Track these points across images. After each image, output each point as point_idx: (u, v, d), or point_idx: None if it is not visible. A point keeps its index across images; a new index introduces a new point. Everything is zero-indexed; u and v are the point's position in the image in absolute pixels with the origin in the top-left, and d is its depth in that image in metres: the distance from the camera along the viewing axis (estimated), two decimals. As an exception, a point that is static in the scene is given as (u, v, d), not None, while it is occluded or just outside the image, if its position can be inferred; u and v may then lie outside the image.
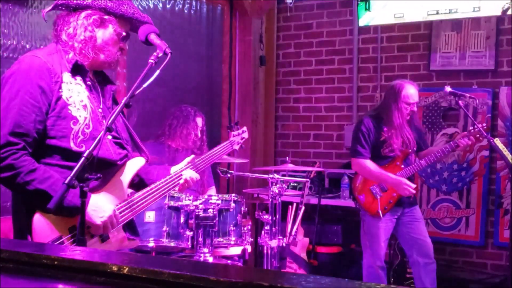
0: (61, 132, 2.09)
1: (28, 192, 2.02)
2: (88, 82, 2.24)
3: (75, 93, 2.15)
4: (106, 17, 2.23)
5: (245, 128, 3.44)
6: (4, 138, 1.99)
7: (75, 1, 2.21)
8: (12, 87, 2.06)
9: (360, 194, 4.16)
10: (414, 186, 4.03)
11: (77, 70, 2.19)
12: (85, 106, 2.16)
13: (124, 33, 2.28)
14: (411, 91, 4.00)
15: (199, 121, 4.15)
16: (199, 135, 4.14)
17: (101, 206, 2.11)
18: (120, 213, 2.21)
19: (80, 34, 2.19)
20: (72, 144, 2.09)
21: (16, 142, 2.00)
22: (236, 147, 3.26)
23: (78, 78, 2.19)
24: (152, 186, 2.36)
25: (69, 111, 2.11)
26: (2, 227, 2.95)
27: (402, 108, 4.00)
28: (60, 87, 2.11)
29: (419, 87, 4.77)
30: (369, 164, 4.06)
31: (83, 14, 2.20)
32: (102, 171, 2.06)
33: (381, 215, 4.04)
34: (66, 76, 2.14)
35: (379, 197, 4.06)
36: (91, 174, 1.89)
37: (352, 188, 4.24)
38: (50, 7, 2.23)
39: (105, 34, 2.23)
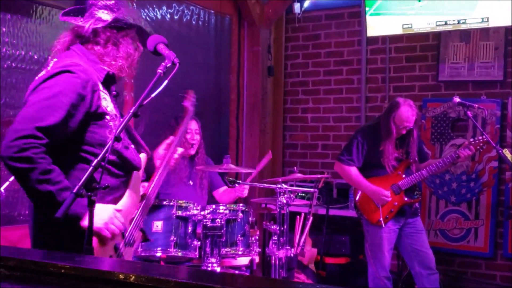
0: (99, 140, 2.15)
1: (34, 190, 1.99)
2: (114, 93, 2.33)
3: (109, 103, 2.22)
4: (136, 35, 2.34)
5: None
6: (30, 130, 1.98)
7: (127, 20, 2.30)
8: (52, 86, 2.07)
9: (361, 203, 4.17)
10: (388, 195, 4.06)
11: (107, 80, 2.26)
12: (115, 116, 2.24)
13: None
14: (404, 114, 3.99)
15: (193, 124, 4.12)
16: (195, 138, 4.11)
17: (98, 211, 2.04)
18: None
19: (124, 52, 2.28)
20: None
21: (41, 137, 2.00)
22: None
23: (106, 89, 2.25)
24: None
25: (107, 121, 2.19)
26: (10, 235, 2.97)
27: (391, 126, 4.01)
28: (99, 96, 2.17)
29: (427, 97, 4.80)
30: (351, 169, 4.14)
31: (126, 32, 2.30)
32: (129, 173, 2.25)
33: (383, 224, 4.05)
34: (101, 86, 2.20)
35: (380, 206, 4.06)
36: (99, 184, 1.90)
37: (354, 197, 4.25)
38: (104, 23, 2.24)
39: (134, 52, 2.35)
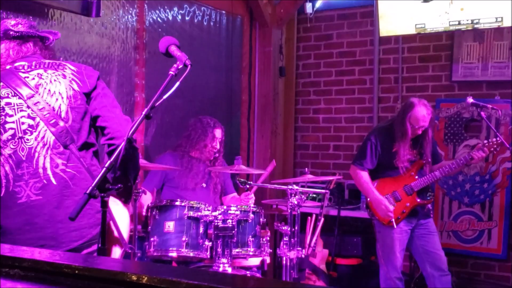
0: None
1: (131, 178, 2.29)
2: None
3: None
4: None
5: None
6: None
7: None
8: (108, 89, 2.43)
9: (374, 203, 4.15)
10: (392, 211, 4.05)
11: None
12: None
13: None
14: (420, 114, 3.97)
15: (218, 132, 4.18)
16: (217, 146, 4.17)
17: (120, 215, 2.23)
18: None
19: None
20: None
21: None
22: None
23: None
24: None
25: None
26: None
27: (407, 127, 4.00)
28: None
29: (441, 98, 4.78)
30: (363, 175, 4.14)
31: None
32: None
33: (394, 225, 4.04)
34: None
35: (392, 207, 4.05)
36: (112, 184, 1.91)
37: (366, 198, 4.25)
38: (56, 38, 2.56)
39: None
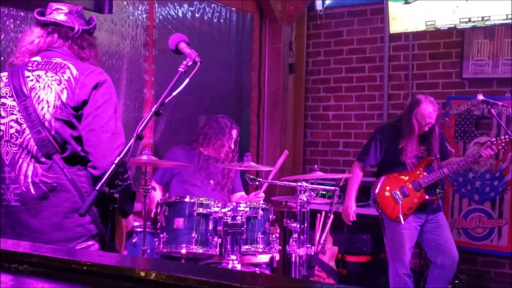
0: None
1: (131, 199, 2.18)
2: None
3: None
4: None
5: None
6: (123, 145, 2.15)
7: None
8: (110, 98, 2.21)
9: (381, 198, 4.18)
10: (351, 220, 4.27)
11: None
12: None
13: None
14: (426, 111, 4.00)
15: (234, 133, 4.19)
16: (233, 147, 4.18)
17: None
18: None
19: (94, 53, 2.39)
20: None
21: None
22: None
23: None
24: None
25: None
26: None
27: (413, 123, 4.03)
28: None
29: (451, 95, 4.76)
30: (356, 172, 4.28)
31: (93, 36, 2.40)
32: None
33: (401, 221, 4.05)
34: None
35: (400, 202, 4.09)
36: (121, 181, 1.92)
37: (373, 192, 4.27)
38: (88, 28, 2.37)
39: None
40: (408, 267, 4.14)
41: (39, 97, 2.16)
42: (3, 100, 2.20)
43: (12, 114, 2.18)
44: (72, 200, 2.14)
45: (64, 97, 2.16)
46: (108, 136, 2.15)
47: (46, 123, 2.14)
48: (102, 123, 2.16)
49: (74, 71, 2.20)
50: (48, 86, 2.18)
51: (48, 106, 2.15)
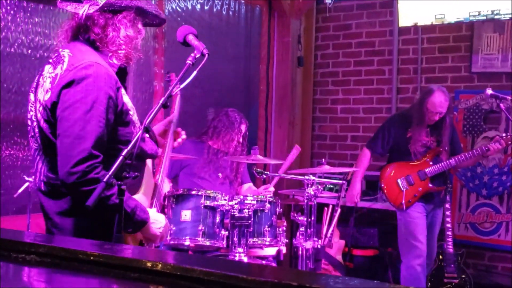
0: (126, 137, 2.09)
1: (104, 206, 1.96)
2: (125, 85, 2.21)
3: (126, 97, 2.14)
4: (137, 17, 2.16)
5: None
6: (87, 151, 1.94)
7: (121, 2, 2.11)
8: (85, 97, 1.97)
9: (387, 185, 4.28)
10: (356, 201, 4.47)
11: (120, 73, 2.15)
12: (133, 109, 2.18)
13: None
14: (437, 99, 4.07)
15: (243, 127, 4.18)
16: (241, 141, 4.18)
17: (157, 217, 2.18)
18: None
19: (124, 36, 2.11)
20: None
21: (97, 155, 1.97)
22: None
23: (121, 82, 2.14)
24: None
25: (130, 116, 2.13)
26: (42, 223, 3.05)
27: (424, 111, 4.10)
28: (120, 93, 2.09)
29: (460, 89, 4.75)
30: (364, 157, 4.42)
31: (123, 14, 2.11)
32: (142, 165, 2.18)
33: (404, 207, 4.16)
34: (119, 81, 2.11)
35: (404, 190, 4.19)
36: (129, 173, 1.92)
37: (380, 179, 4.37)
38: (96, 8, 2.08)
39: (136, 34, 2.18)
40: (423, 257, 4.20)
41: (36, 93, 2.12)
42: (30, 95, 2.18)
43: (31, 110, 2.15)
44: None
45: (47, 96, 2.04)
46: (69, 141, 1.95)
47: (41, 123, 2.08)
48: (66, 127, 1.97)
49: (64, 66, 2.04)
50: (44, 82, 2.09)
51: (40, 105, 2.07)
